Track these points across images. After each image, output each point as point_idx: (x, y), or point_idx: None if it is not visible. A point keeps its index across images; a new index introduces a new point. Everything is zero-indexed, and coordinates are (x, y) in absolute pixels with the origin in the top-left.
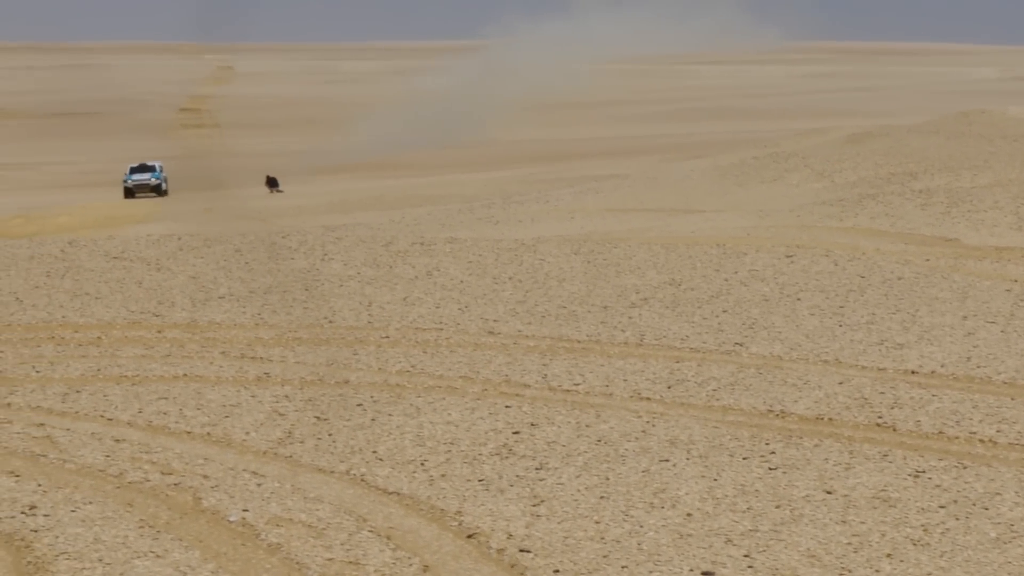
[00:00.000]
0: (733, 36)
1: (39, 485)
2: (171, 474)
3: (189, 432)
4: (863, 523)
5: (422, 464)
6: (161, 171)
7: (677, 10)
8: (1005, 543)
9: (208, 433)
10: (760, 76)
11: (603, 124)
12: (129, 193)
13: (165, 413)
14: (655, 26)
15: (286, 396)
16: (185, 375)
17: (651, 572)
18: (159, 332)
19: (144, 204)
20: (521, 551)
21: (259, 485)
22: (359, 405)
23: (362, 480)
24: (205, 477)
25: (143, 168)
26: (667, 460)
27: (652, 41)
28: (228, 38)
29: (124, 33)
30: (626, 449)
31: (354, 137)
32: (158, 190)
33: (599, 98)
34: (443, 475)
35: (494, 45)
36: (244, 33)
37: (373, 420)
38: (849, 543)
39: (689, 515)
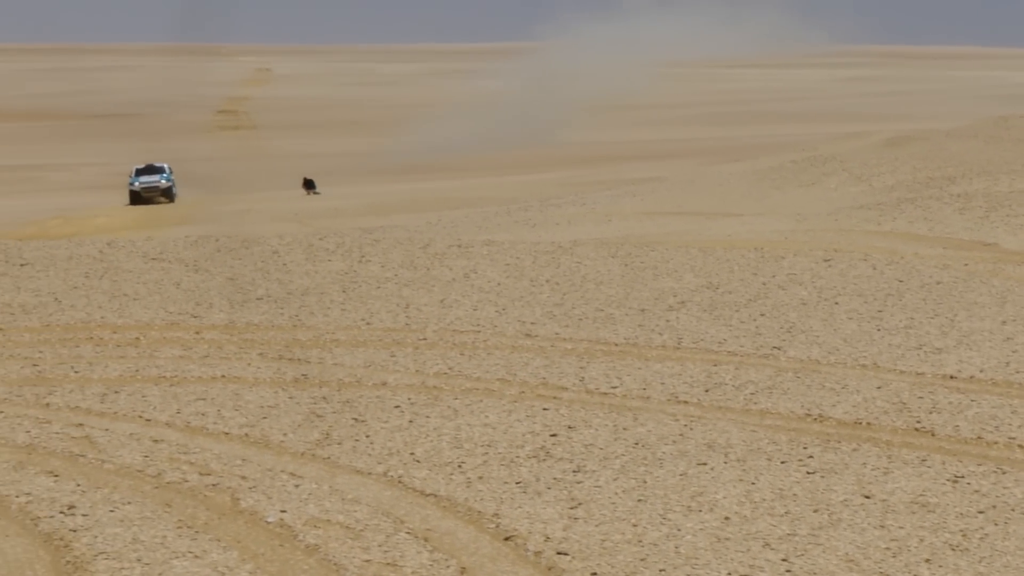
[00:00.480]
0: (782, 40)
1: (78, 485)
2: (209, 475)
3: (227, 433)
4: (901, 528)
5: (459, 466)
6: (170, 173)
7: (726, 13)
8: None
9: (246, 434)
10: (800, 80)
11: (642, 128)
12: (136, 198)
13: (203, 414)
14: (704, 29)
15: (324, 397)
16: (223, 376)
17: (688, 575)
18: (197, 333)
19: (180, 206)
20: (558, 553)
21: (297, 486)
22: (397, 407)
23: (400, 482)
24: (243, 478)
25: (151, 169)
26: (705, 464)
27: (701, 45)
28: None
29: (159, 36)
30: (664, 452)
31: (427, 137)
32: (168, 194)
33: (639, 101)
34: (480, 477)
35: (543, 48)
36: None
37: (411, 422)
38: (887, 548)
39: (727, 519)
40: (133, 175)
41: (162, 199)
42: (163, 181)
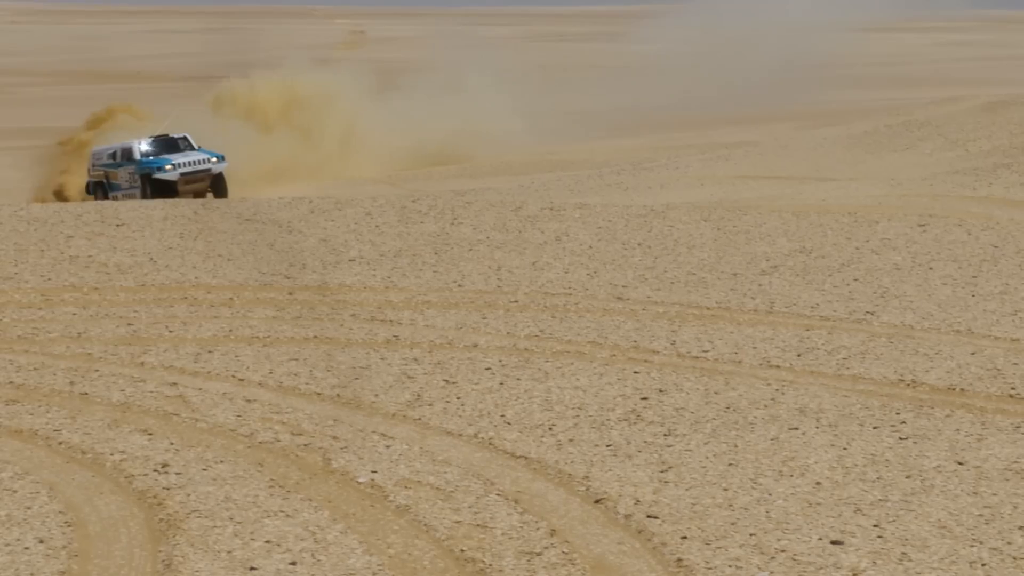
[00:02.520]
0: (924, 5)
1: (171, 444)
2: (301, 435)
3: (319, 393)
4: (995, 495)
5: (550, 429)
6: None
7: None
8: None
9: (338, 395)
10: (899, 44)
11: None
12: (165, 190)
13: (295, 374)
14: None
15: (415, 359)
16: (315, 337)
17: (779, 540)
18: (290, 294)
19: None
20: (648, 517)
21: (388, 447)
22: (487, 369)
23: (490, 443)
24: (335, 438)
25: (171, 144)
26: (796, 428)
27: (846, 7)
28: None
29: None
30: (755, 417)
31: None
32: (219, 185)
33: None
34: (571, 440)
35: (681, 10)
36: None
37: (501, 384)
38: (980, 515)
39: (818, 484)
40: (146, 153)
41: (209, 193)
42: (213, 161)
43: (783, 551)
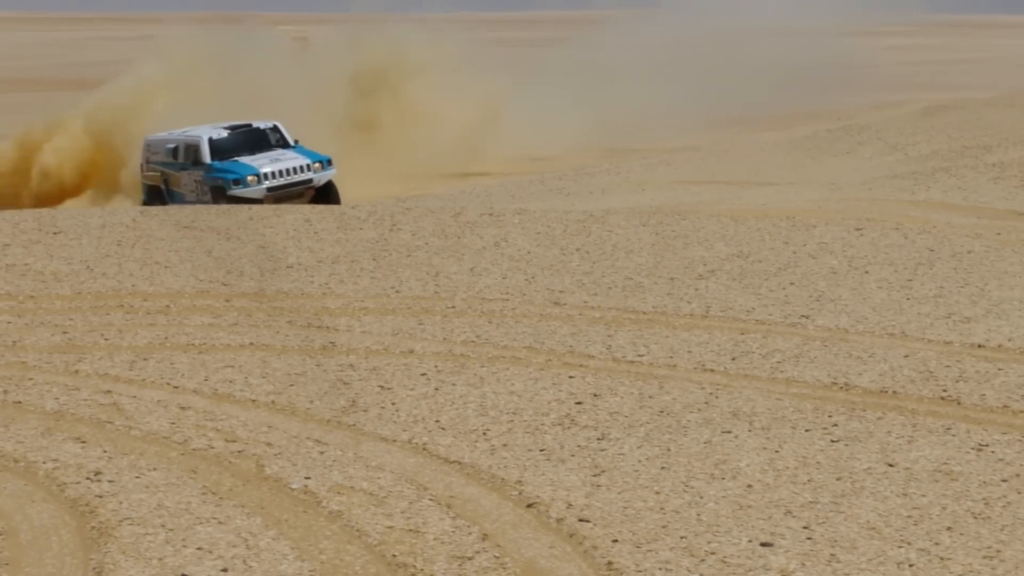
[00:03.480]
0: (877, 9)
1: (105, 451)
2: (235, 441)
3: (254, 400)
4: (924, 496)
5: (484, 434)
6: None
7: None
8: None
9: (273, 401)
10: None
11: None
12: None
13: (231, 381)
14: None
15: (351, 365)
16: (251, 344)
17: (709, 543)
18: (227, 301)
19: None
20: (580, 521)
21: (322, 453)
22: (423, 374)
23: (424, 449)
24: (269, 445)
25: (257, 139)
26: (729, 432)
27: (798, 10)
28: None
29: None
30: (688, 420)
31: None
32: (330, 193)
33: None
34: (504, 444)
35: (641, 16)
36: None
37: (436, 389)
38: (909, 516)
39: (749, 486)
40: (219, 152)
41: (302, 201)
42: (316, 167)
43: (713, 553)
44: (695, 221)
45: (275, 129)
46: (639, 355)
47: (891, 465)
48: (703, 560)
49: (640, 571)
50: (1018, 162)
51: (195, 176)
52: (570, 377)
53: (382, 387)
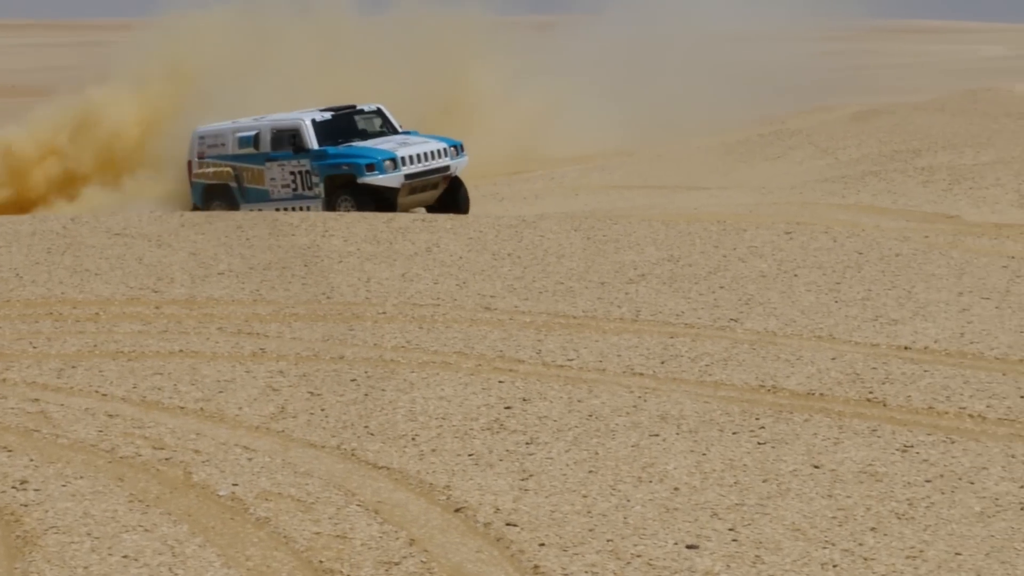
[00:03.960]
0: (822, 14)
1: (31, 460)
2: (163, 449)
3: (182, 407)
4: (849, 497)
5: (413, 439)
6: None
7: None
8: (989, 517)
9: (201, 408)
10: (774, 53)
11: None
12: (377, 202)
13: (159, 388)
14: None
15: (280, 372)
16: (181, 351)
17: (635, 545)
18: (157, 308)
19: None
20: (507, 525)
21: (250, 460)
22: (353, 380)
23: (353, 455)
24: (196, 452)
25: (363, 123)
26: (657, 435)
27: (734, 16)
28: None
29: None
30: (616, 424)
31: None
32: (459, 195)
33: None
34: (433, 450)
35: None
36: None
37: (366, 395)
38: (834, 517)
39: (676, 489)
40: (329, 135)
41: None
42: (452, 152)
43: (639, 556)
44: (627, 226)
45: (379, 112)
46: (569, 359)
47: (817, 467)
48: (629, 563)
49: (567, 574)
50: (947, 166)
51: (294, 167)
52: (500, 382)
53: (311, 393)
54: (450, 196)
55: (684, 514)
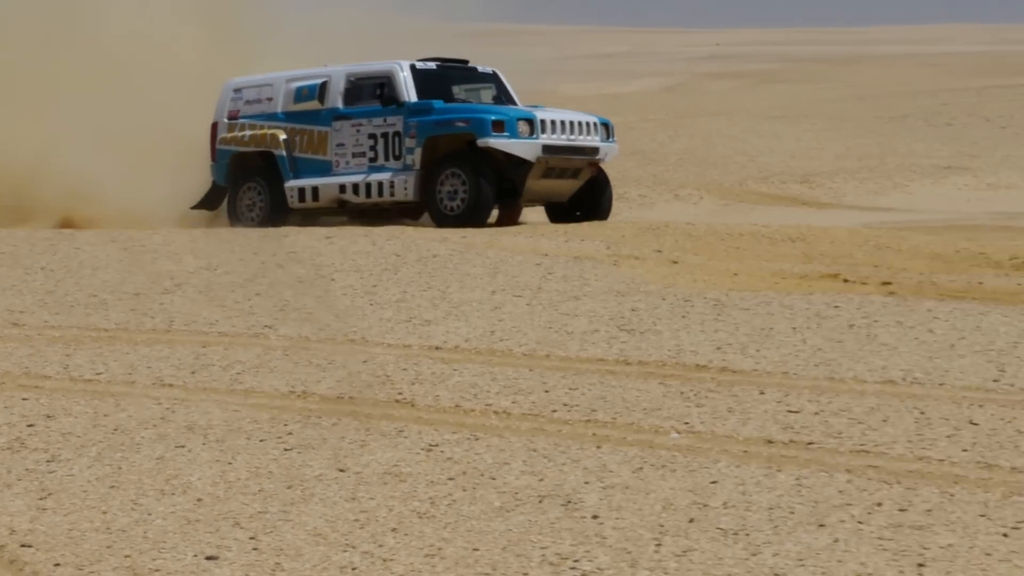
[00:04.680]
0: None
1: None
2: None
3: None
4: (372, 499)
5: None
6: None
7: None
8: (508, 511)
9: None
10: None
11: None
12: (505, 181)
13: None
14: None
15: None
16: None
17: (154, 560)
18: None
19: None
20: (23, 546)
21: None
22: None
23: None
24: None
25: (479, 85)
26: (183, 446)
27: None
28: None
29: None
30: (142, 437)
31: None
32: (603, 188)
33: None
34: None
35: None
36: None
37: None
38: (356, 519)
39: (199, 500)
40: (428, 88)
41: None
42: (602, 130)
43: (157, 571)
44: (165, 235)
45: (495, 76)
46: (97, 373)
47: (342, 470)
48: None
49: None
50: None
51: (376, 126)
52: (23, 399)
53: None
54: (590, 194)
55: (206, 525)
